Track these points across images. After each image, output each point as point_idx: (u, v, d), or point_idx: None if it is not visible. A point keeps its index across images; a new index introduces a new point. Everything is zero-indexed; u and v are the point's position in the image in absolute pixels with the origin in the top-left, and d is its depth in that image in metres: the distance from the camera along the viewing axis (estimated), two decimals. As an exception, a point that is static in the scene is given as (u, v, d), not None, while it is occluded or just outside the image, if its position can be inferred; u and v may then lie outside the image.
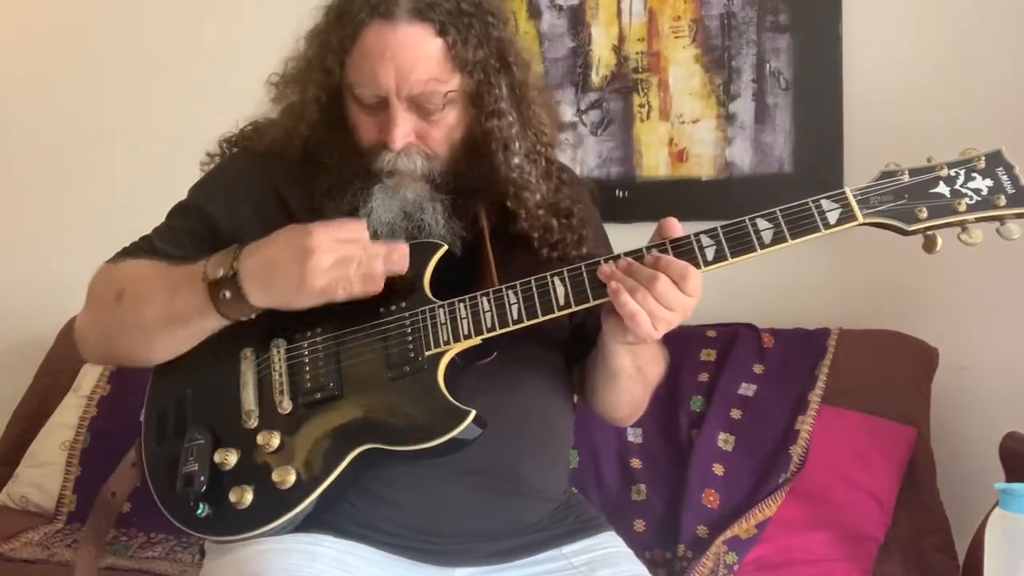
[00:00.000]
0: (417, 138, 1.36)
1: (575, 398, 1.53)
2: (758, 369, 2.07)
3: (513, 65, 1.40)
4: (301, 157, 1.45)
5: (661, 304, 1.21)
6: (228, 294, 1.27)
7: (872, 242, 2.10)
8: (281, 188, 1.45)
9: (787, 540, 1.84)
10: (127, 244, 1.47)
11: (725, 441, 1.98)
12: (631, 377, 1.40)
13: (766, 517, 1.86)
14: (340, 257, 1.24)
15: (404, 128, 1.34)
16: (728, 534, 1.84)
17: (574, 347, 1.48)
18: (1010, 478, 1.78)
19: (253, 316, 1.30)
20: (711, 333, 2.15)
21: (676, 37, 2.32)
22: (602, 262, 1.26)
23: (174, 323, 1.33)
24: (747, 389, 2.04)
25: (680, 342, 2.04)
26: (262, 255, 1.27)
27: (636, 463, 2.01)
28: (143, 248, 1.44)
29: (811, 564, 1.81)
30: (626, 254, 1.27)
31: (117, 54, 2.71)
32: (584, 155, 2.38)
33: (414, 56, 1.32)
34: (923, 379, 2.06)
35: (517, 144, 1.39)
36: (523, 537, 1.39)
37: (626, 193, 2.36)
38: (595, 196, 1.61)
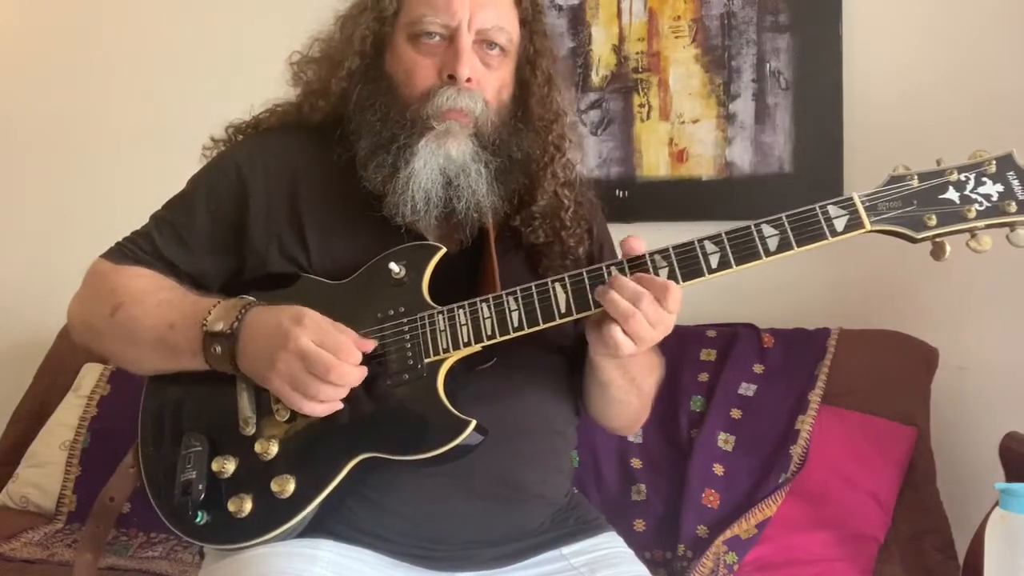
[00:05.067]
0: (476, 83, 1.36)
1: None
2: (758, 369, 2.07)
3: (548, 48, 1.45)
4: (325, 120, 1.43)
5: (646, 322, 1.19)
6: (218, 349, 1.27)
7: (873, 243, 2.10)
8: (296, 157, 1.43)
9: (787, 540, 1.84)
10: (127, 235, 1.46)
11: (725, 441, 1.97)
12: (622, 388, 1.38)
13: (766, 517, 1.86)
14: (311, 359, 1.20)
15: (472, 62, 1.34)
16: (728, 534, 1.84)
17: (578, 354, 1.45)
18: (1010, 478, 1.78)
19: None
20: (711, 333, 2.15)
21: (676, 37, 2.32)
22: (603, 269, 1.25)
23: (164, 353, 1.33)
24: (747, 389, 2.04)
25: (680, 342, 2.04)
26: (261, 322, 1.25)
27: (636, 463, 2.01)
28: (145, 251, 1.42)
29: (811, 564, 1.81)
30: (606, 265, 1.25)
31: (117, 53, 2.71)
32: (584, 155, 2.38)
33: None
34: (923, 379, 2.06)
35: (567, 118, 1.44)
36: (524, 541, 1.39)
37: (626, 193, 2.36)
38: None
